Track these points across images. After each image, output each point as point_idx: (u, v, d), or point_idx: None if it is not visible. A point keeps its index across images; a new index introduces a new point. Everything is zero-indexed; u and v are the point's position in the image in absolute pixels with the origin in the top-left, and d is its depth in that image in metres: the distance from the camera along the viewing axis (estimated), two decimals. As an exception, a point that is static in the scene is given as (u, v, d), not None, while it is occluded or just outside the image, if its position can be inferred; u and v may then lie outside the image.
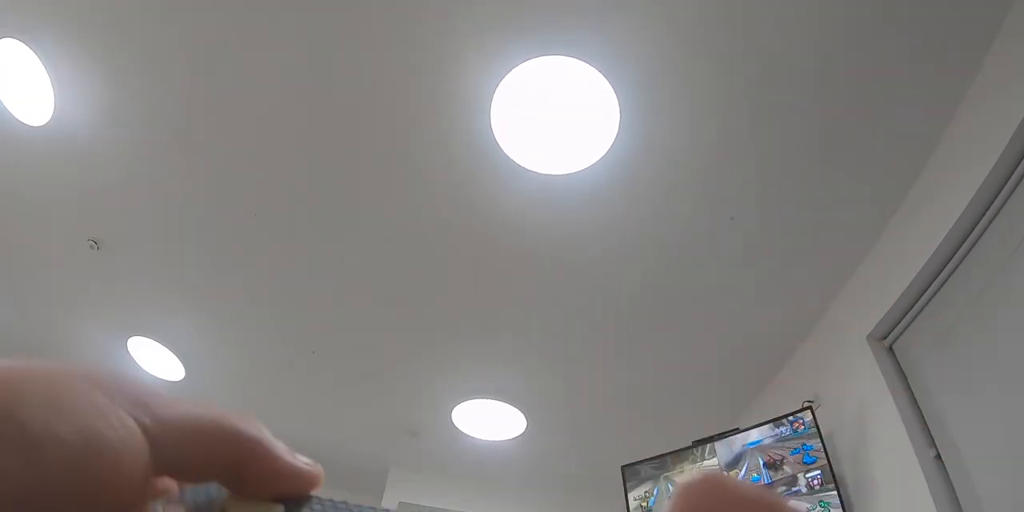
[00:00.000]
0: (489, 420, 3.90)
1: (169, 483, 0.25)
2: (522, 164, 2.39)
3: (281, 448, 0.27)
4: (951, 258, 2.19)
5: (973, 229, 2.10)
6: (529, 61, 2.10)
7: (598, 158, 2.34)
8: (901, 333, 2.44)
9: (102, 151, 2.60)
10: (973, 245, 2.11)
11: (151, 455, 0.21)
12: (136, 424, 0.21)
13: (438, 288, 3.00)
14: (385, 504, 4.41)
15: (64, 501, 0.18)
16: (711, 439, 3.03)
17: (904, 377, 2.38)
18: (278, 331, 3.42)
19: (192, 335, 3.56)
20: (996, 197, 2.00)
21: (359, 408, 3.98)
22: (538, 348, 3.31)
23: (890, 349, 2.49)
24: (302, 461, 0.28)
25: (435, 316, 3.17)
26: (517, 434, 3.99)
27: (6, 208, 2.97)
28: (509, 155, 2.36)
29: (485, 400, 3.75)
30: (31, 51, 2.28)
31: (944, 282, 2.23)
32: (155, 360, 3.74)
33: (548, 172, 2.41)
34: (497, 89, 2.18)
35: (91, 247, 3.01)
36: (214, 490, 0.26)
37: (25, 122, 2.53)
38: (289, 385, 3.86)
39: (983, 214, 2.06)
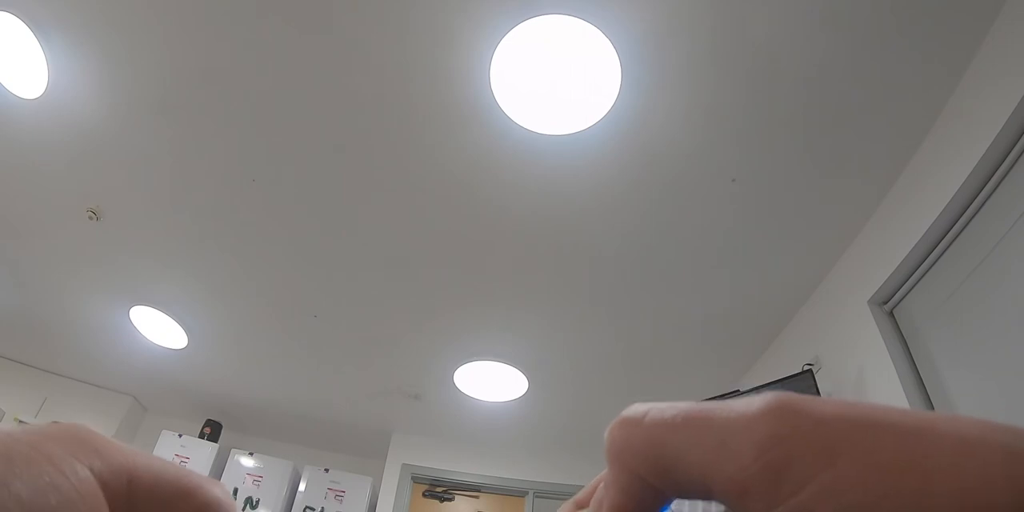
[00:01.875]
0: (491, 382, 3.94)
1: None
2: (523, 125, 2.34)
3: None
4: (954, 225, 2.17)
5: (976, 197, 2.08)
6: (530, 20, 2.04)
7: (599, 118, 2.29)
8: (902, 299, 2.44)
9: (98, 122, 2.56)
10: (976, 213, 2.09)
11: (108, 505, 0.21)
12: (91, 474, 0.20)
13: (439, 250, 2.99)
14: (388, 466, 4.50)
15: None
16: (711, 401, 3.06)
17: (904, 342, 2.39)
18: (280, 296, 3.43)
19: (194, 303, 3.57)
20: (1000, 165, 1.97)
21: (361, 371, 4.02)
22: (539, 309, 3.32)
23: (891, 314, 2.49)
24: None
25: (436, 278, 3.17)
26: (519, 395, 4.03)
27: (4, 182, 2.94)
28: (510, 116, 2.32)
29: (487, 362, 3.78)
30: (24, 24, 2.23)
31: (947, 249, 2.22)
32: (158, 329, 3.75)
33: (549, 132, 2.37)
34: (497, 48, 2.12)
35: (90, 218, 2.99)
36: None
37: (19, 95, 2.49)
38: (292, 350, 3.88)
39: (986, 182, 2.03)
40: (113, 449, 0.22)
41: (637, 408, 0.25)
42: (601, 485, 0.26)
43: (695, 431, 0.22)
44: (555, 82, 2.20)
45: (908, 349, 2.37)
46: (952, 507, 0.16)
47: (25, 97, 2.49)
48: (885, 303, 2.52)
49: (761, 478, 0.19)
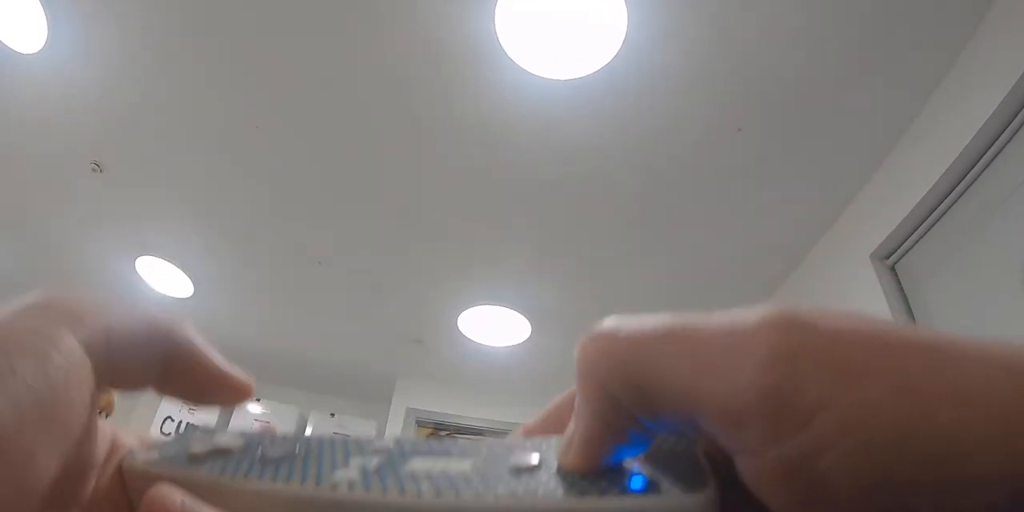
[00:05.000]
0: (495, 326, 3.99)
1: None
2: (527, 68, 2.30)
3: (215, 354, 0.28)
4: (960, 180, 2.15)
5: (984, 153, 2.05)
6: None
7: (605, 62, 2.24)
8: (905, 254, 2.44)
9: (98, 75, 2.52)
10: (984, 169, 2.07)
11: (93, 370, 0.22)
12: (78, 343, 0.21)
13: (442, 195, 2.98)
14: (393, 411, 4.60)
15: (30, 436, 0.18)
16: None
17: (905, 298, 2.40)
18: (283, 243, 3.44)
19: (199, 251, 3.58)
20: (1012, 121, 1.94)
21: (365, 317, 4.07)
22: (541, 254, 3.33)
23: (892, 269, 2.50)
24: (236, 369, 0.29)
25: (439, 223, 3.17)
26: (522, 340, 4.09)
27: (4, 137, 2.91)
28: (514, 59, 2.27)
29: (490, 306, 3.82)
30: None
31: (952, 204, 2.21)
32: (163, 279, 3.78)
33: (554, 77, 2.32)
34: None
35: (93, 170, 2.97)
36: None
37: (17, 50, 2.44)
38: (296, 296, 3.92)
39: (995, 139, 2.00)
40: (90, 312, 0.23)
41: (612, 321, 0.22)
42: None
43: (679, 346, 0.19)
44: (562, 25, 2.15)
45: (908, 305, 2.39)
46: (997, 443, 0.13)
47: (23, 52, 2.44)
48: (887, 258, 2.53)
49: (761, 405, 0.16)
